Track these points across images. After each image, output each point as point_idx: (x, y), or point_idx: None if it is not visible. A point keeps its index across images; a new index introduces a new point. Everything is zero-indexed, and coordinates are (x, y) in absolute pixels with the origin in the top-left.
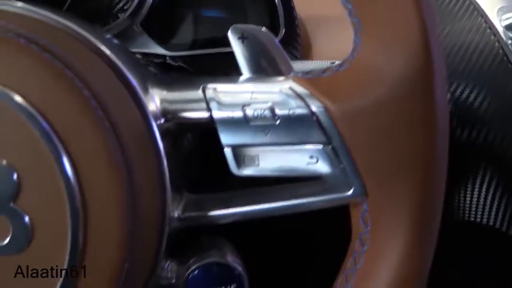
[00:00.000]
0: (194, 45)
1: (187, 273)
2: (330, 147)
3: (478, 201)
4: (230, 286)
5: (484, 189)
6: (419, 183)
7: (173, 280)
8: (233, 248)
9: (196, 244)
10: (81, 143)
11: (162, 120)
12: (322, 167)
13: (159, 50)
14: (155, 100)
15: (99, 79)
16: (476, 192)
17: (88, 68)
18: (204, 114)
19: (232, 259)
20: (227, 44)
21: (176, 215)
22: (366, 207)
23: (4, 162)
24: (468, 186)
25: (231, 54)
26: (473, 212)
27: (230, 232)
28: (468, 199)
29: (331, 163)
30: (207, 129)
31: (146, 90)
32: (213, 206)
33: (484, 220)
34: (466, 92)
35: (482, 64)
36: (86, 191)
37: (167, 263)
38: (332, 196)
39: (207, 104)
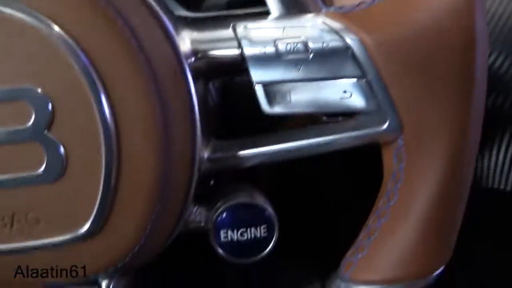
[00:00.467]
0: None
1: (215, 215)
2: (364, 80)
3: (502, 167)
4: (260, 227)
5: (509, 156)
6: (458, 115)
7: (202, 224)
8: (261, 192)
9: (224, 190)
10: (117, 75)
11: (193, 59)
12: (356, 101)
13: (181, 12)
14: (185, 40)
15: (135, 14)
16: (501, 159)
17: (124, 2)
18: (235, 52)
19: (261, 201)
20: (251, 5)
21: (205, 156)
22: (401, 142)
23: (40, 90)
24: (493, 152)
25: (254, 15)
26: (497, 179)
27: (257, 182)
28: (492, 165)
29: (366, 97)
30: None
31: (176, 29)
32: (242, 147)
33: (508, 187)
34: (492, 58)
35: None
36: (120, 124)
37: (196, 208)
38: (365, 131)
39: (238, 41)
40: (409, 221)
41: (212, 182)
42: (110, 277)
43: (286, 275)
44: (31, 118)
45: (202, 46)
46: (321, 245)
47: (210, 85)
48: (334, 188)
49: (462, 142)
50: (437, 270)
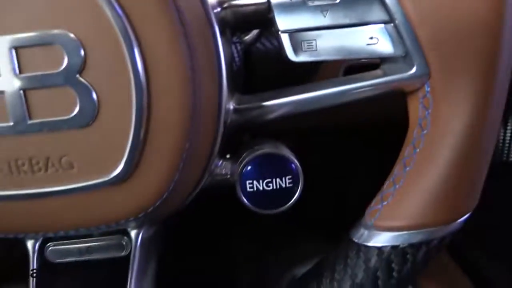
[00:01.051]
0: None
1: (241, 166)
2: (392, 25)
3: None
4: (285, 178)
5: None
6: (485, 62)
7: (228, 176)
8: (285, 146)
9: (249, 143)
10: (147, 21)
11: (219, 9)
12: (383, 47)
13: None
14: None
15: None
16: None
17: None
18: (260, 0)
19: (286, 152)
20: None
21: (231, 107)
22: (428, 89)
23: (72, 35)
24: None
25: None
26: None
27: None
28: (508, 137)
29: (393, 42)
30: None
31: None
32: (266, 99)
33: None
34: None
35: None
36: (150, 68)
37: (221, 162)
38: (392, 78)
39: None
40: (434, 167)
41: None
42: (139, 227)
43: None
44: (63, 62)
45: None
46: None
47: (233, 48)
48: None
49: (489, 91)
50: (462, 217)
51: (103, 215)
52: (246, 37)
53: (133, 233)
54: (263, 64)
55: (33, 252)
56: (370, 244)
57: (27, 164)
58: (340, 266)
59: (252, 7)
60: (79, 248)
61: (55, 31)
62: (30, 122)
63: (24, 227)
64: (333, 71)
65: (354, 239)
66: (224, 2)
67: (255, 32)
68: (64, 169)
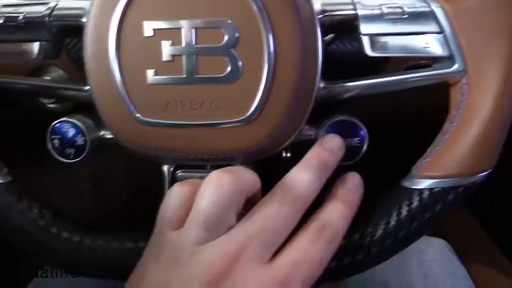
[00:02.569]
0: None
1: (323, 128)
2: (442, 35)
3: None
4: (355, 138)
5: None
6: (506, 62)
7: (312, 136)
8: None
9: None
10: (280, 14)
11: (321, 16)
12: (435, 49)
13: None
14: (317, 2)
15: None
16: None
17: None
18: (351, 12)
19: (356, 120)
20: None
21: (321, 85)
22: (464, 81)
23: (231, 21)
24: None
25: None
26: None
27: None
28: None
29: (441, 47)
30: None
31: None
32: (346, 81)
33: None
34: None
35: None
36: (279, 48)
37: (307, 127)
38: (439, 72)
39: (353, 4)
40: (466, 135)
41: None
42: (244, 165)
43: None
44: (223, 40)
45: (328, 7)
46: None
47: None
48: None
49: (507, 83)
50: (485, 171)
51: (234, 144)
52: (325, 38)
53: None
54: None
55: (168, 175)
56: (413, 187)
57: (188, 104)
58: (388, 206)
59: (342, 17)
60: (202, 177)
61: (220, 19)
62: (196, 76)
63: (180, 147)
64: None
65: (401, 184)
66: (325, 11)
67: (331, 35)
68: (212, 110)
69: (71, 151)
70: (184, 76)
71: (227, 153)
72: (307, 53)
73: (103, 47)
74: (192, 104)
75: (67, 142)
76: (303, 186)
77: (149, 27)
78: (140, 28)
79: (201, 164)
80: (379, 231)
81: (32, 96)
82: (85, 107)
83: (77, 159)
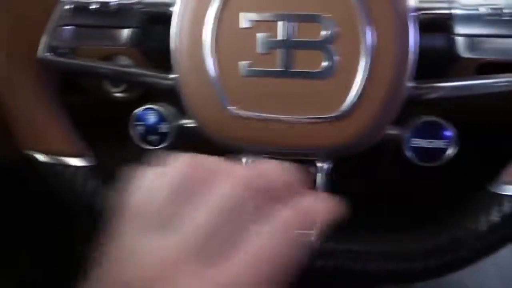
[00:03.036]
0: None
1: (411, 127)
2: None
3: None
4: (441, 140)
5: None
6: None
7: (398, 134)
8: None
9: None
10: (379, 10)
11: (416, 13)
12: None
13: None
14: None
15: None
16: None
17: None
18: (446, 11)
19: (444, 122)
20: None
21: (410, 84)
22: None
23: (330, 16)
24: None
25: None
26: None
27: None
28: None
29: None
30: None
31: None
32: (434, 82)
33: None
34: None
35: None
36: (378, 42)
37: (391, 127)
38: None
39: (450, 3)
40: None
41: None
42: (325, 160)
43: None
44: (321, 34)
45: (423, 5)
46: None
47: None
48: None
49: None
50: None
51: (322, 140)
52: None
53: (319, 164)
54: None
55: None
56: (504, 193)
57: (280, 97)
58: (477, 211)
59: (437, 15)
60: None
61: (319, 13)
62: (291, 70)
63: (267, 142)
64: (466, 70)
65: (490, 189)
66: (421, 9)
67: None
68: (304, 104)
69: (155, 138)
70: (279, 69)
71: (314, 148)
72: (404, 49)
73: (199, 37)
74: (285, 98)
75: (150, 129)
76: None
77: (246, 19)
78: (237, 20)
79: (279, 158)
80: (469, 234)
81: (116, 81)
82: (153, 97)
83: (159, 146)
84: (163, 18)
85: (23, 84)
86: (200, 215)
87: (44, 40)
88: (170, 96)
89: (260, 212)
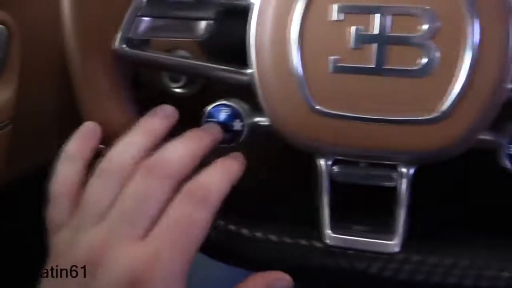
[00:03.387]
0: None
1: (508, 133)
2: None
3: None
4: None
5: None
6: None
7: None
8: None
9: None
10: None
11: None
12: None
13: None
14: None
15: None
16: None
17: None
18: None
19: None
20: None
21: (509, 86)
22: None
23: (432, 10)
24: None
25: None
26: None
27: None
28: None
29: None
30: None
31: None
32: None
33: None
34: None
35: None
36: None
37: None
38: None
39: None
40: None
41: None
42: (407, 166)
43: None
44: (421, 29)
45: None
46: None
47: None
48: None
49: None
50: None
51: (414, 144)
52: None
53: (402, 170)
54: None
55: (325, 169)
56: None
57: (371, 96)
58: None
59: None
60: (359, 174)
61: (420, 6)
62: (386, 67)
63: (353, 143)
64: None
65: None
66: None
67: None
68: (397, 105)
69: (227, 135)
70: (372, 66)
71: (403, 152)
72: (508, 47)
73: (282, 30)
74: (376, 97)
75: (223, 126)
76: (168, 155)
77: (338, 11)
78: (329, 11)
79: (360, 160)
80: None
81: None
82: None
83: (231, 144)
84: (239, 10)
85: (99, 80)
86: (116, 202)
87: (120, 31)
88: (236, 92)
89: (165, 196)
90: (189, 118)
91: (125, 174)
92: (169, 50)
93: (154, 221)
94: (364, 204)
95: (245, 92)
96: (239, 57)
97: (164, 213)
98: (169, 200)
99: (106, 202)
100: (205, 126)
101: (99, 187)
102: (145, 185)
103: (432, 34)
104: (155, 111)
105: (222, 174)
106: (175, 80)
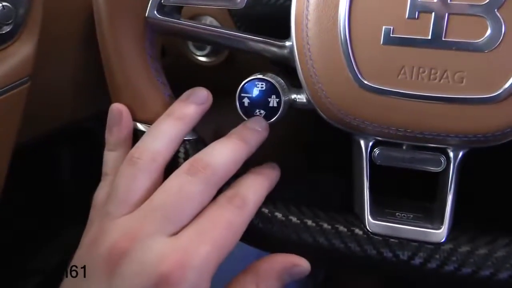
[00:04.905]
0: None
1: None
2: None
3: None
4: None
5: None
6: None
7: None
8: None
9: None
10: None
11: None
12: None
13: None
14: None
15: None
16: None
17: None
18: None
19: None
20: None
21: None
22: None
23: None
24: None
25: None
26: None
27: None
28: None
29: None
30: None
31: None
32: None
33: None
34: None
35: None
36: None
37: None
38: None
39: None
40: None
41: None
42: (457, 149)
43: None
44: None
45: None
46: None
47: None
48: None
49: None
50: None
51: (471, 125)
52: None
53: (451, 153)
54: None
55: (365, 151)
56: None
57: (426, 72)
58: None
59: None
60: (403, 157)
61: None
62: (444, 39)
63: (403, 122)
64: None
65: None
66: None
67: None
68: (454, 82)
69: (262, 112)
70: (429, 38)
71: (459, 134)
72: None
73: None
74: (432, 73)
75: (258, 103)
76: (215, 161)
77: None
78: None
79: (405, 142)
80: None
81: (223, 47)
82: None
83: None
84: None
85: (129, 49)
86: (152, 196)
87: None
88: (264, 66)
89: (207, 199)
90: (211, 88)
91: (155, 165)
92: (194, 16)
93: (190, 221)
94: (402, 189)
95: (274, 67)
96: (274, 29)
97: (203, 214)
98: (208, 202)
99: (136, 192)
100: (252, 123)
101: (130, 176)
102: (190, 185)
103: (498, 3)
104: (189, 96)
105: (260, 184)
106: (200, 48)
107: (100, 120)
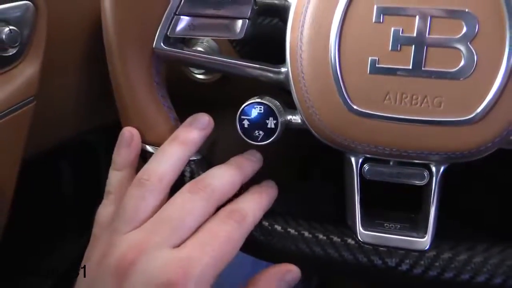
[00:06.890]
0: None
1: None
2: None
3: None
4: None
5: None
6: None
7: None
8: None
9: None
10: None
11: None
12: None
13: None
14: None
15: None
16: None
17: None
18: None
19: None
20: None
21: None
22: None
23: (473, 14)
24: None
25: None
26: None
27: None
28: None
29: None
30: None
31: None
32: None
33: None
34: None
35: None
36: None
37: None
38: None
39: None
40: None
41: None
42: (439, 165)
43: None
44: (461, 32)
45: None
46: None
47: None
48: None
49: None
50: None
51: (448, 144)
52: None
53: (434, 168)
54: None
55: (355, 167)
56: None
57: (409, 97)
58: None
59: None
60: (390, 172)
61: (461, 8)
62: (424, 68)
63: (389, 142)
64: None
65: None
66: None
67: None
68: (434, 106)
69: (260, 133)
70: (410, 67)
71: (439, 152)
72: None
73: (323, 30)
74: (413, 98)
75: (257, 124)
76: (214, 182)
77: (380, 12)
78: (369, 13)
79: (392, 159)
80: None
81: (223, 73)
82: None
83: (264, 142)
84: (275, 9)
85: (138, 77)
86: (160, 211)
87: (160, 30)
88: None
89: (207, 215)
90: (208, 104)
91: (162, 186)
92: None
93: (191, 234)
94: (389, 201)
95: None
96: (271, 56)
97: (204, 227)
98: (208, 218)
99: (143, 211)
100: (249, 154)
101: (138, 197)
102: (191, 202)
103: (472, 37)
104: (192, 121)
105: (258, 203)
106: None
107: (100, 133)
